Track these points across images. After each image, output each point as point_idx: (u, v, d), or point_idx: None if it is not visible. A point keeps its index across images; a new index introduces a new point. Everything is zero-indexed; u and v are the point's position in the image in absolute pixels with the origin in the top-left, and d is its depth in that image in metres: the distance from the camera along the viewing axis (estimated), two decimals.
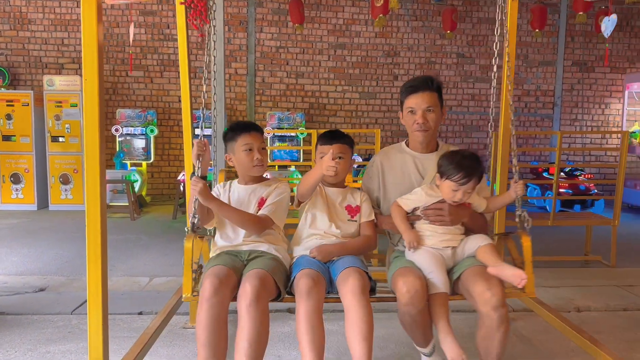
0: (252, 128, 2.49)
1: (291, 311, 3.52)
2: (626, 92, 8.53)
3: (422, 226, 2.38)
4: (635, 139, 7.90)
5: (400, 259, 2.39)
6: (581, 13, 5.73)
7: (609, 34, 5.38)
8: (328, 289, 2.28)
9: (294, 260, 2.45)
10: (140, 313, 3.49)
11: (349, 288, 2.12)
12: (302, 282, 2.12)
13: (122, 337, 3.11)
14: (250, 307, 2.04)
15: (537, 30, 6.92)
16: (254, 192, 2.49)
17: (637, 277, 4.29)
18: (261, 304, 2.07)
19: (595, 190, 7.27)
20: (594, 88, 8.82)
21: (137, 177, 7.40)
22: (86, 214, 1.89)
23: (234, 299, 2.17)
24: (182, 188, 6.85)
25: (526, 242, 2.33)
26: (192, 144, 2.46)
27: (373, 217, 2.53)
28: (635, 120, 8.71)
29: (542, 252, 5.16)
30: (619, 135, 8.72)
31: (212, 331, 2.06)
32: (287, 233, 2.67)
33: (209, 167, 2.66)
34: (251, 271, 2.17)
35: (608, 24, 5.39)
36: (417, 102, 2.42)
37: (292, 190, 2.70)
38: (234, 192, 2.53)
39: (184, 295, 2.30)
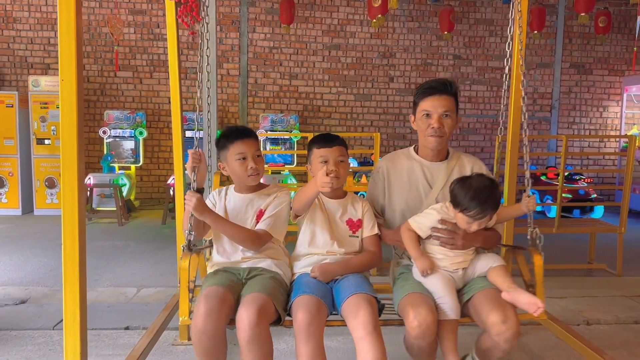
0: (245, 135, 2.32)
1: (286, 325, 3.34)
2: (624, 95, 8.43)
3: (433, 248, 2.22)
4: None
5: (407, 278, 2.25)
6: (583, 14, 5.60)
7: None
8: (330, 311, 2.11)
9: (295, 277, 2.30)
10: (127, 328, 3.30)
11: (360, 323, 1.95)
12: (300, 316, 1.95)
13: (106, 355, 2.92)
14: (250, 344, 1.93)
15: (535, 31, 6.80)
16: (251, 203, 2.34)
17: None
18: (261, 332, 1.94)
19: (595, 195, 7.16)
20: (592, 90, 8.71)
21: (126, 180, 7.17)
22: (62, 224, 1.71)
23: (231, 321, 2.06)
24: (171, 192, 6.63)
25: (538, 261, 2.24)
26: (187, 154, 2.30)
27: (376, 230, 2.35)
28: (634, 124, 8.62)
29: (544, 259, 5.01)
30: (617, 139, 8.63)
31: (209, 356, 2.02)
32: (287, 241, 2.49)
33: (205, 178, 2.51)
34: (249, 296, 2.01)
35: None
36: (434, 104, 2.29)
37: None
38: (230, 201, 2.37)
39: (181, 319, 2.16)
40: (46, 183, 7.16)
